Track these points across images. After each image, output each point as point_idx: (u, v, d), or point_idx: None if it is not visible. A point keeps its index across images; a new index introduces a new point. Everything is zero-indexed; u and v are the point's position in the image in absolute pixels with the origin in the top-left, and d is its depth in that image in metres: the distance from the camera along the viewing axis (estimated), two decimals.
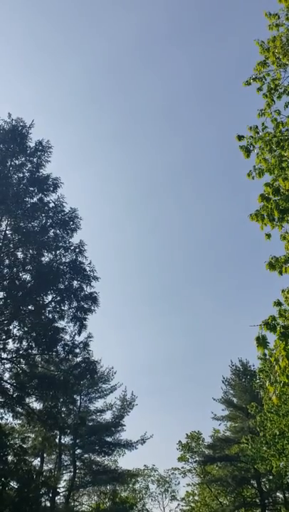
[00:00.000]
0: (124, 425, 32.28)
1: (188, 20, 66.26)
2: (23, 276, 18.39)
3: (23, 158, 19.12)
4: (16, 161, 19.08)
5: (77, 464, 30.82)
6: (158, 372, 71.59)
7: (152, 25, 64.85)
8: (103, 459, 32.38)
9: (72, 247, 18.81)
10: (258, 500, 34.28)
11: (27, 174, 19.02)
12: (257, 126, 8.52)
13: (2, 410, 16.88)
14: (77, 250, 18.77)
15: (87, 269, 18.59)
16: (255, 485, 33.65)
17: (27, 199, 18.84)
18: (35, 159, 19.19)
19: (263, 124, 8.51)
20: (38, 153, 19.24)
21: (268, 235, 8.03)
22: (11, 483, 14.90)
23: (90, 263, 18.71)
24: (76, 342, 17.63)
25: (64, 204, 19.05)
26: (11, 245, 18.77)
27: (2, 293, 18.11)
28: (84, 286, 18.44)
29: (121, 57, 71.94)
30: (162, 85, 70.28)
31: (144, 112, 76.17)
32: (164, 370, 71.39)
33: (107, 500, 32.53)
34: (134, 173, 77.80)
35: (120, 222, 78.68)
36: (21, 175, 18.98)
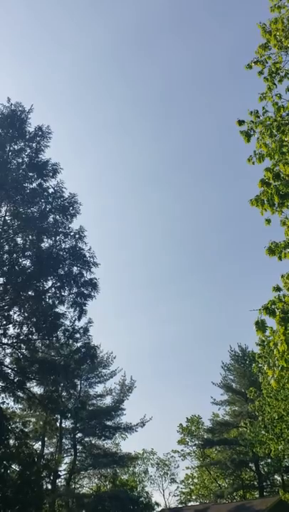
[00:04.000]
0: (124, 409, 32.69)
1: (187, 7, 65.24)
2: (23, 262, 18.39)
3: (22, 144, 18.96)
4: (15, 146, 18.93)
5: (78, 447, 31.26)
6: (159, 358, 72.11)
7: (151, 13, 63.89)
8: (103, 442, 32.81)
9: (72, 233, 18.78)
10: (256, 483, 34.84)
11: (26, 159, 18.89)
12: (257, 111, 8.42)
13: (3, 395, 17.01)
14: (77, 236, 18.74)
15: (87, 255, 18.60)
16: (254, 468, 34.16)
17: (26, 184, 18.73)
18: (34, 144, 19.03)
19: (263, 108, 8.41)
20: (38, 138, 19.07)
21: (268, 221, 7.99)
22: (13, 466, 15.11)
23: (89, 249, 18.72)
24: (76, 327, 17.73)
25: (63, 189, 18.99)
26: (11, 231, 18.74)
27: (2, 279, 18.14)
28: (84, 272, 18.46)
29: (120, 45, 71.01)
30: (161, 73, 69.48)
31: (143, 99, 75.43)
32: (165, 355, 71.85)
33: (107, 482, 33.03)
34: (134, 160, 77.31)
35: (122, 209, 78.46)
36: (20, 160, 18.85)
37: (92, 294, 18.24)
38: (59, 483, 28.96)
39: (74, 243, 18.69)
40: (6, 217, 18.81)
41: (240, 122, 8.49)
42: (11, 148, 18.85)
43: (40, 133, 19.10)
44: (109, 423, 32.27)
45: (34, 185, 18.78)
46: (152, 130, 76.62)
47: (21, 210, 18.55)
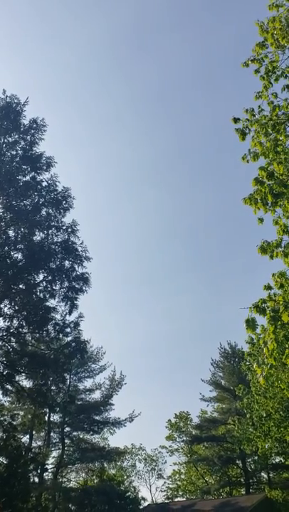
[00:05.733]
0: (113, 404, 32.72)
1: (185, 4, 64.96)
2: (15, 255, 18.34)
3: (17, 136, 18.83)
4: (9, 139, 18.80)
5: (66, 441, 31.26)
6: (151, 354, 72.29)
7: (150, 11, 63.58)
8: (92, 437, 32.85)
9: (64, 227, 18.72)
10: (242, 480, 35.06)
11: (20, 152, 18.77)
12: (253, 109, 8.42)
13: None
14: (69, 230, 18.69)
15: (80, 249, 18.58)
16: (241, 465, 34.38)
17: (19, 177, 18.62)
18: (28, 137, 18.92)
19: (259, 106, 8.41)
20: (32, 131, 18.96)
21: (261, 220, 8.01)
22: (0, 459, 15.10)
23: (82, 243, 18.69)
24: (67, 322, 17.72)
25: (57, 183, 18.92)
26: (3, 223, 18.63)
27: None
28: (76, 267, 18.44)
29: (118, 42, 70.63)
30: (159, 71, 69.25)
31: (140, 97, 75.16)
32: (157, 352, 72.04)
33: (94, 477, 33.09)
34: (130, 157, 77.18)
35: (117, 205, 78.21)
36: (14, 152, 18.73)
37: (84, 288, 18.26)
38: (46, 477, 29.01)
39: (66, 237, 18.66)
40: None
41: (236, 120, 8.49)
42: (5, 140, 18.72)
43: (34, 125, 18.99)
44: (97, 418, 32.29)
45: (27, 178, 18.70)
46: (149, 127, 76.54)
47: (14, 202, 18.46)
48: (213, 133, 71.73)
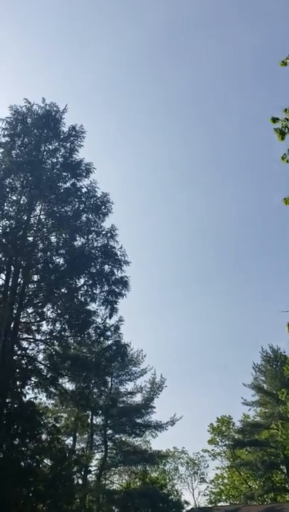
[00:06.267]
0: (154, 407, 32.74)
1: (219, 6, 64.39)
2: (57, 260, 18.71)
3: (57, 144, 19.29)
4: (50, 146, 19.28)
5: (109, 444, 31.51)
6: (189, 356, 71.68)
7: (182, 11, 63.24)
8: (134, 439, 32.97)
9: (103, 232, 18.95)
10: (287, 486, 34.26)
11: (60, 159, 19.21)
12: None
13: (36, 390, 17.36)
14: (108, 235, 18.90)
15: (118, 253, 18.74)
16: (285, 470, 33.60)
17: (60, 184, 19.04)
18: (68, 144, 19.33)
19: None
20: (71, 138, 19.36)
21: None
22: (45, 461, 15.39)
23: (120, 247, 18.84)
24: (107, 325, 17.88)
25: (96, 189, 19.22)
26: (45, 229, 19.10)
27: (36, 276, 18.51)
28: (115, 271, 18.59)
29: (152, 45, 70.70)
30: (192, 73, 68.77)
31: (173, 98, 74.94)
32: (195, 354, 71.38)
33: (137, 480, 33.20)
34: (164, 159, 77.04)
35: (151, 207, 78.28)
36: (55, 160, 19.19)
37: (123, 292, 18.37)
38: (90, 479, 29.34)
39: (106, 242, 18.88)
40: (41, 216, 19.22)
41: (275, 120, 8.39)
42: (46, 148, 19.22)
43: (73, 132, 19.38)
44: (139, 421, 32.38)
45: (68, 184, 19.11)
46: (182, 128, 76.08)
47: (55, 209, 18.88)
48: (247, 134, 70.65)
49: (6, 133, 18.90)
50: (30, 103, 19.38)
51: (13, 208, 18.59)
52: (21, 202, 18.80)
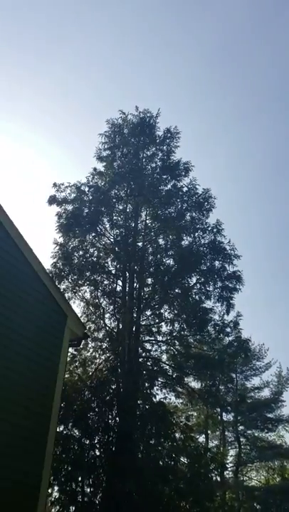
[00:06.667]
0: (284, 401, 31.72)
1: None
2: (167, 261, 19.04)
3: (154, 148, 19.73)
4: (148, 152, 19.78)
5: (242, 440, 31.15)
6: None
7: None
8: (267, 434, 32.24)
9: (209, 228, 18.84)
10: None
11: (159, 163, 19.60)
12: None
13: (164, 391, 17.79)
14: (214, 230, 18.74)
15: (227, 248, 18.44)
16: None
17: (161, 187, 19.42)
18: (164, 147, 19.66)
19: None
20: (167, 140, 19.65)
21: None
22: (181, 459, 15.67)
23: (229, 242, 18.51)
24: (226, 322, 17.67)
25: (196, 186, 19.21)
26: (152, 233, 19.57)
27: (150, 279, 19.00)
28: (226, 266, 18.30)
29: (235, 37, 68.64)
30: (278, 62, 65.21)
31: (262, 88, 71.86)
32: None
33: (275, 475, 32.34)
34: (259, 153, 74.24)
35: (253, 199, 75.90)
36: (154, 165, 19.63)
37: (237, 287, 17.95)
38: (227, 476, 29.26)
39: (213, 238, 18.73)
40: (147, 221, 19.74)
41: None
42: (144, 154, 19.75)
43: (169, 135, 19.65)
44: (270, 415, 31.62)
45: (169, 186, 19.39)
46: (275, 120, 72.65)
47: (160, 212, 19.26)
48: None
49: (106, 147, 19.82)
50: (124, 113, 20.13)
51: (121, 216, 19.39)
52: (127, 210, 19.54)
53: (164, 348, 18.68)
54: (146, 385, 16.62)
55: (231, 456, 30.96)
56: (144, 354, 18.06)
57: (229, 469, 29.81)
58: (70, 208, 18.85)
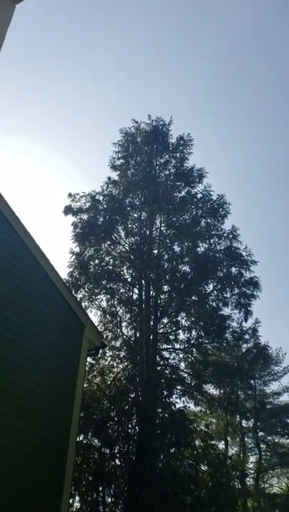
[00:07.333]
0: None
1: None
2: (183, 268, 18.97)
3: (167, 156, 19.77)
4: (161, 160, 19.84)
5: (262, 446, 30.83)
6: None
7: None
8: (287, 440, 31.86)
9: (225, 234, 18.76)
10: None
11: (172, 170, 19.63)
12: None
13: (183, 399, 17.67)
14: (230, 236, 18.65)
15: (244, 254, 18.32)
16: None
17: (176, 194, 19.43)
18: (178, 154, 19.71)
19: None
20: (180, 147, 19.70)
21: None
22: (202, 468, 15.53)
23: (245, 248, 18.40)
24: (244, 328, 17.52)
25: (211, 193, 19.19)
26: (168, 240, 19.55)
27: (166, 287, 18.95)
28: (243, 272, 18.17)
29: (245, 40, 68.76)
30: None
31: (274, 91, 71.57)
32: None
33: None
34: (273, 155, 73.81)
35: (269, 203, 75.20)
36: (167, 172, 19.66)
37: (255, 293, 17.80)
38: (248, 483, 28.91)
39: (228, 244, 18.64)
40: (162, 228, 19.74)
41: None
42: (158, 162, 19.80)
43: (182, 142, 19.70)
44: None
45: (183, 193, 19.41)
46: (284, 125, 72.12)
47: (174, 219, 19.26)
48: None
49: (119, 155, 19.94)
50: (137, 122, 20.27)
51: (136, 224, 19.43)
52: (142, 218, 19.58)
53: (181, 355, 18.59)
54: (165, 393, 16.52)
55: (252, 462, 30.66)
56: (162, 362, 17.99)
57: (250, 476, 29.47)
58: (85, 217, 18.97)
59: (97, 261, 18.90)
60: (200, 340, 18.16)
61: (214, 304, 18.14)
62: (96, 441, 15.39)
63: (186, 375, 18.36)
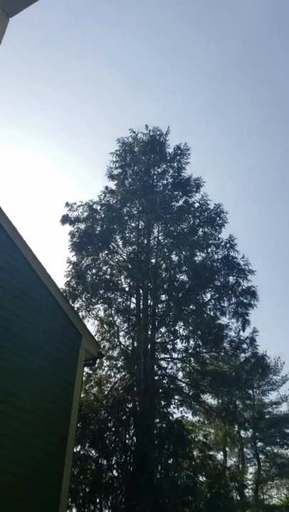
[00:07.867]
0: None
1: None
2: (180, 277, 18.94)
3: (164, 166, 19.89)
4: (158, 169, 19.94)
5: (261, 456, 30.59)
6: None
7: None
8: (286, 451, 31.62)
9: (222, 243, 18.77)
10: None
11: (170, 180, 19.73)
12: None
13: (181, 409, 17.55)
14: (228, 245, 18.66)
15: (241, 263, 18.31)
16: None
17: (173, 203, 19.51)
18: (175, 164, 19.82)
19: None
20: (178, 157, 19.82)
21: None
22: (200, 479, 15.39)
23: (243, 257, 18.38)
24: (242, 338, 17.47)
25: (208, 202, 19.26)
26: (165, 249, 19.58)
27: (164, 296, 18.93)
28: (240, 281, 18.16)
29: (248, 49, 69.30)
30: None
31: (273, 102, 72.08)
32: None
33: None
34: (275, 165, 74.14)
35: (266, 214, 75.39)
36: (165, 181, 19.77)
37: (252, 302, 17.75)
38: (246, 494, 28.64)
39: (226, 253, 18.64)
40: (159, 237, 19.76)
41: None
42: (155, 171, 19.90)
43: (179, 151, 19.83)
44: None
45: (180, 202, 19.49)
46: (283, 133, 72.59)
47: (172, 228, 19.31)
48: None
49: (117, 165, 20.03)
50: (134, 132, 20.39)
51: (133, 233, 19.46)
52: (140, 227, 19.62)
53: (179, 365, 18.51)
54: (163, 403, 16.42)
55: (251, 473, 30.41)
56: (159, 372, 17.90)
57: (249, 487, 29.21)
58: (82, 226, 19.00)
59: (94, 270, 18.90)
60: (198, 349, 18.10)
61: (212, 313, 18.10)
62: (93, 451, 15.26)
63: (183, 384, 18.28)
